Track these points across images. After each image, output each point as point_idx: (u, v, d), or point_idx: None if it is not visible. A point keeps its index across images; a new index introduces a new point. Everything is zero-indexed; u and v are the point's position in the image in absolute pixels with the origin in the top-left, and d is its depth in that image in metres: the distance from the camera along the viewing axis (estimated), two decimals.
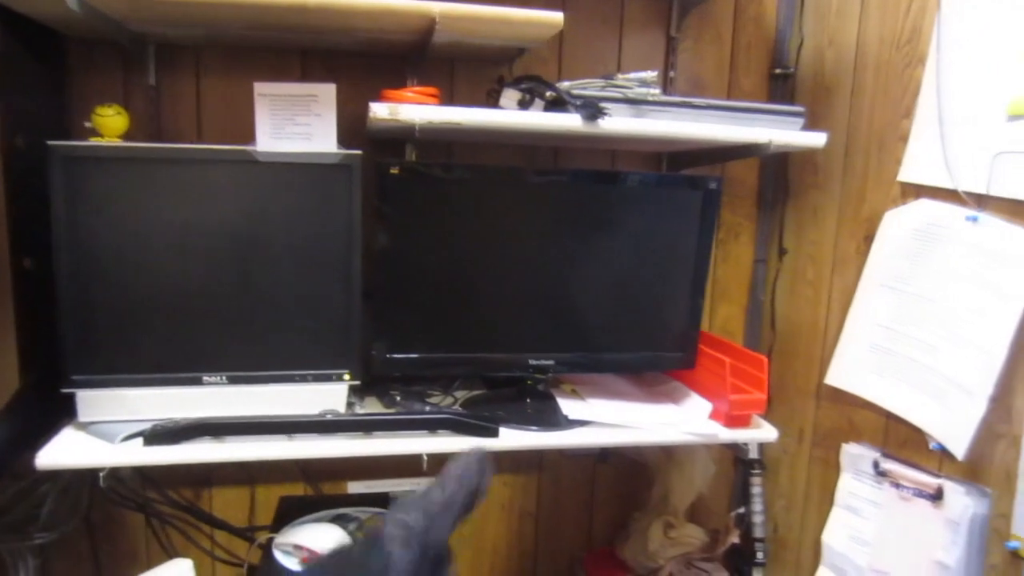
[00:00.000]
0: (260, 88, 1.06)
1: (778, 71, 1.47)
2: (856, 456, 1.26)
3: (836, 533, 1.28)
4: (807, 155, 1.41)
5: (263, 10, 1.01)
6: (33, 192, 1.13)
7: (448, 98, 1.31)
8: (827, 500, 1.31)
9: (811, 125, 1.21)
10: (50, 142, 1.00)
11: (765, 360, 1.21)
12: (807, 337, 1.40)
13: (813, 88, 1.41)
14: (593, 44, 1.39)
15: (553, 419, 1.19)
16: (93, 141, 1.05)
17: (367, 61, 1.30)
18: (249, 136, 1.06)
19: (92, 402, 1.08)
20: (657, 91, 1.15)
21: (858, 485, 1.26)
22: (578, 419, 1.19)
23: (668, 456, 1.44)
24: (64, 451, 1.01)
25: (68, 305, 1.04)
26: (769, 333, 1.51)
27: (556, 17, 1.07)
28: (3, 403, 1.14)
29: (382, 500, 1.33)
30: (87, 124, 1.07)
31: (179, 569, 1.03)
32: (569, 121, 1.09)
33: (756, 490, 1.46)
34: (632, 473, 1.55)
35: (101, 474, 1.03)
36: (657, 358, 1.30)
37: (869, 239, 1.25)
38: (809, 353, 1.39)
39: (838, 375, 1.30)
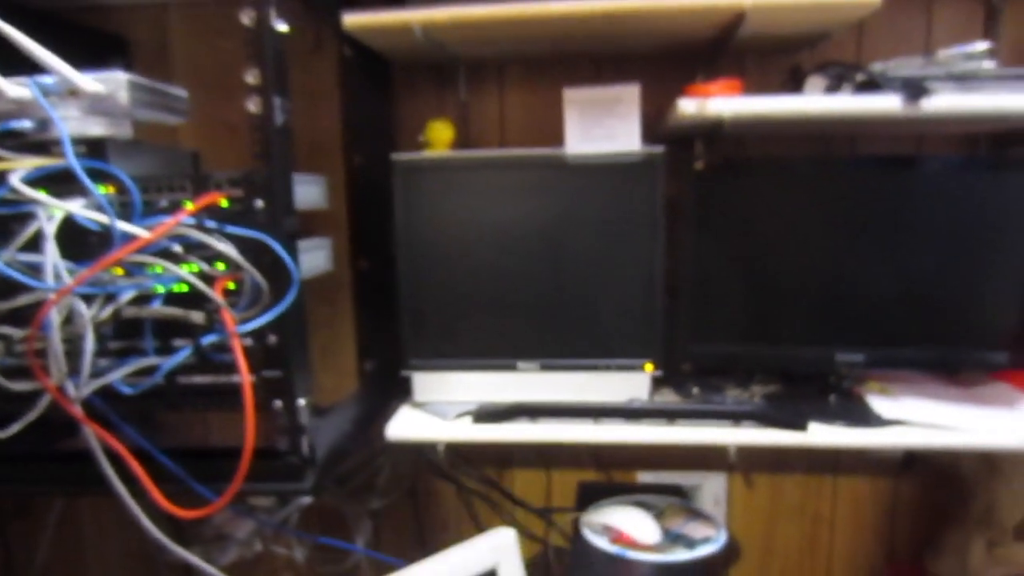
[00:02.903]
0: (569, 95, 1.14)
1: None
2: None
3: None
4: None
5: (577, 21, 1.07)
6: (367, 203, 1.31)
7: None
8: None
9: None
10: (393, 155, 1.16)
11: None
12: None
13: None
14: (897, 23, 1.30)
15: (863, 417, 1.13)
16: (427, 153, 1.19)
17: (657, 62, 1.34)
18: (545, 140, 1.14)
19: (425, 384, 1.22)
20: (989, 64, 1.05)
21: None
22: (893, 418, 1.12)
23: (990, 466, 1.30)
24: (407, 426, 1.16)
25: (407, 299, 1.19)
26: None
27: None
28: (342, 384, 1.33)
29: (675, 491, 1.35)
30: (420, 138, 1.22)
31: (505, 537, 1.12)
32: (887, 103, 1.03)
33: None
34: (940, 484, 1.42)
35: (439, 447, 1.16)
36: (979, 357, 1.18)
37: None
38: None
39: None
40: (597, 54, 1.35)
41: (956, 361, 1.21)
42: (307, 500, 1.37)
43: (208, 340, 0.95)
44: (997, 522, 1.29)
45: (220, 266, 0.96)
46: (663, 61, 1.33)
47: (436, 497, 1.50)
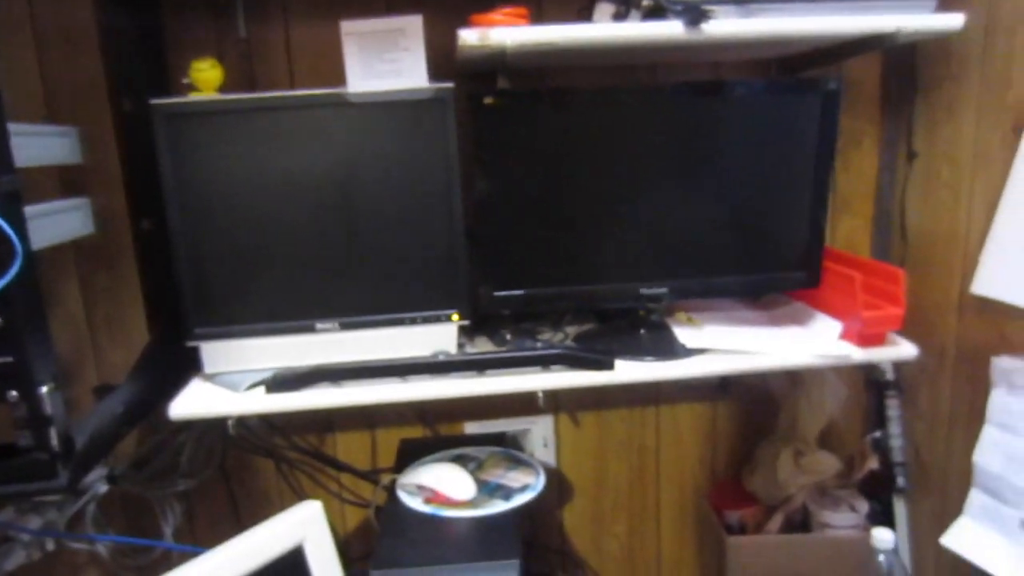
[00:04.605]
0: (346, 27, 1.04)
1: None
2: (1009, 370, 1.14)
3: (989, 453, 1.18)
4: (938, 44, 1.26)
5: None
6: (143, 155, 1.16)
7: (537, 21, 1.24)
8: (976, 419, 1.20)
9: (943, 8, 1.08)
10: (152, 101, 1.02)
11: (901, 272, 1.11)
12: (945, 245, 1.28)
13: None
14: None
15: (670, 349, 1.14)
16: (192, 96, 1.05)
17: None
18: (341, 80, 1.04)
19: (215, 354, 1.11)
20: None
21: (1012, 400, 1.15)
22: (697, 347, 1.13)
23: (794, 382, 1.37)
24: (193, 402, 1.05)
25: (184, 261, 1.07)
26: (900, 244, 1.38)
27: None
28: (133, 358, 1.20)
29: (499, 439, 1.33)
30: (184, 80, 1.08)
31: (310, 510, 1.05)
32: (669, 29, 1.00)
33: (893, 412, 1.36)
34: (755, 402, 1.48)
35: (229, 422, 1.07)
36: (777, 278, 1.21)
37: (1018, 129, 1.11)
38: (948, 262, 1.27)
39: (986, 283, 1.18)
40: None
41: (756, 285, 1.24)
42: (102, 490, 1.25)
43: None
44: (801, 433, 1.36)
45: None
46: None
47: (252, 471, 1.40)
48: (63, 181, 1.24)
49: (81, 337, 1.31)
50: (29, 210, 0.89)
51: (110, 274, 1.28)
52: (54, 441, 0.89)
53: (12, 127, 0.87)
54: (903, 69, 1.34)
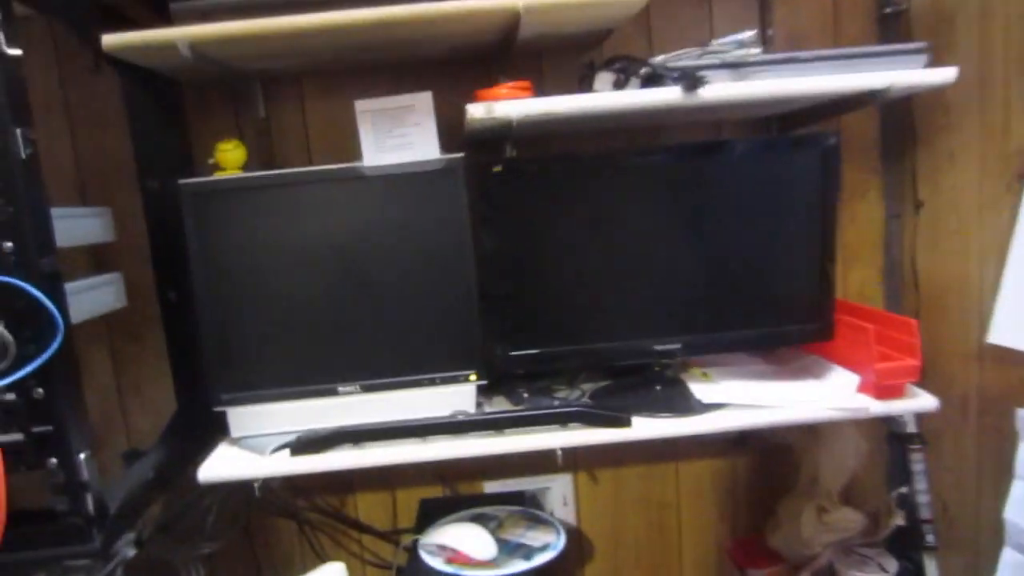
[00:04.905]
0: (360, 105, 1.10)
1: (888, 10, 1.34)
2: None
3: (1021, 509, 1.15)
4: (934, 95, 1.29)
5: (351, 29, 1.03)
6: (170, 230, 1.23)
7: (540, 91, 1.29)
8: (1005, 471, 1.18)
9: (935, 62, 1.11)
10: (181, 180, 1.08)
11: (915, 323, 1.11)
12: (958, 294, 1.28)
13: (932, 21, 1.28)
14: (682, 14, 1.34)
15: (686, 405, 1.15)
16: (217, 176, 1.12)
17: (456, 68, 1.32)
18: (355, 155, 1.10)
19: (241, 418, 1.15)
20: (757, 51, 1.09)
21: None
22: (713, 403, 1.14)
23: (814, 436, 1.35)
24: (222, 465, 1.08)
25: (210, 330, 1.12)
26: (912, 294, 1.39)
27: None
28: (161, 424, 1.24)
29: (518, 498, 1.33)
30: (210, 161, 1.15)
31: (333, 572, 1.07)
32: (668, 95, 1.05)
33: (918, 467, 1.34)
34: (775, 456, 1.47)
35: (256, 484, 1.10)
36: (790, 332, 1.21)
37: (1022, 176, 1.12)
38: (963, 311, 1.27)
39: (1003, 332, 1.17)
40: (393, 63, 1.31)
41: (768, 339, 1.24)
42: (130, 554, 1.27)
43: None
44: (824, 488, 1.34)
45: None
46: (459, 66, 1.32)
47: (275, 533, 1.42)
48: (94, 257, 1.31)
49: (111, 404, 1.36)
50: (69, 287, 0.95)
51: (138, 344, 1.34)
52: (90, 506, 0.92)
53: (54, 211, 0.93)
54: (902, 121, 1.37)
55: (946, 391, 1.27)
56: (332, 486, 1.42)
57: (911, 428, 1.35)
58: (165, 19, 1.03)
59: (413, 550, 1.17)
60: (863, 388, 1.13)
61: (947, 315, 1.31)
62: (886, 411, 1.12)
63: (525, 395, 1.23)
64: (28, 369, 0.86)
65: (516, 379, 1.27)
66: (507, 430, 1.10)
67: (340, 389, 1.14)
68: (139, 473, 1.08)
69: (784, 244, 1.18)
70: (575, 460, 1.46)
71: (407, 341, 1.14)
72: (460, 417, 1.13)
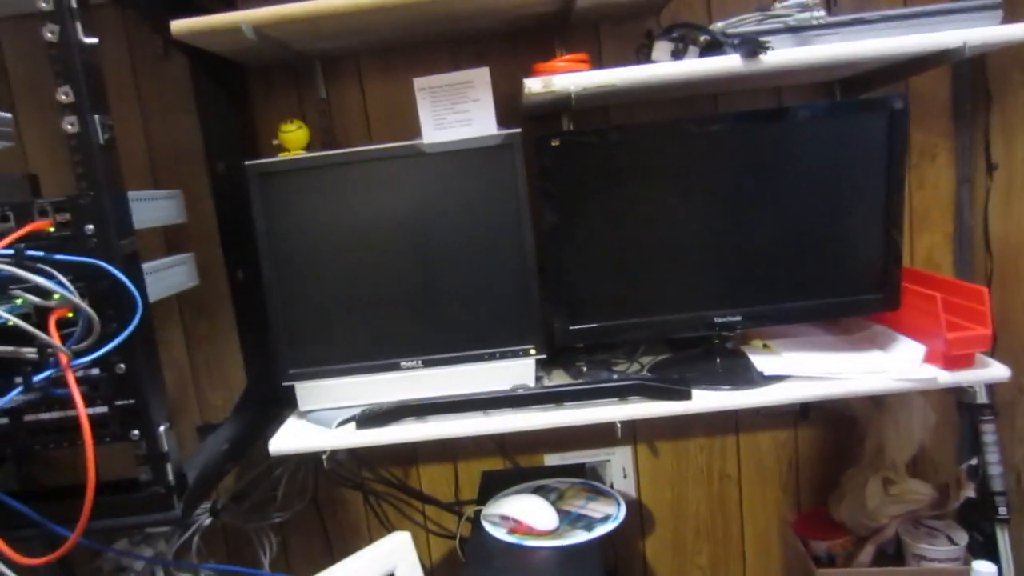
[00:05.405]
0: (419, 83, 1.11)
1: None
2: None
3: None
4: (1009, 52, 1.23)
5: (410, 3, 1.03)
6: (237, 211, 1.26)
7: (597, 62, 1.29)
8: None
9: (1010, 17, 1.06)
10: (247, 162, 1.11)
11: (985, 291, 1.07)
12: None
13: None
14: None
15: (747, 377, 1.14)
16: (281, 156, 1.14)
17: (514, 41, 1.32)
18: (414, 132, 1.11)
19: (308, 393, 1.18)
20: (821, 13, 1.06)
21: None
22: (774, 374, 1.13)
23: (879, 407, 1.33)
24: (291, 438, 1.12)
25: (278, 308, 1.15)
26: (984, 260, 1.34)
27: None
28: (233, 399, 1.29)
29: (578, 470, 1.35)
30: (274, 142, 1.17)
31: (400, 540, 1.10)
32: (728, 63, 1.03)
33: (990, 438, 1.30)
34: (838, 428, 1.45)
35: (323, 456, 1.13)
36: (855, 302, 1.19)
37: None
38: None
39: None
40: (450, 39, 1.32)
41: (831, 309, 1.22)
42: (206, 522, 1.33)
43: (43, 376, 0.90)
44: (889, 460, 1.32)
45: (57, 296, 0.91)
46: (516, 39, 1.31)
47: (343, 504, 1.47)
48: (167, 238, 1.36)
49: (185, 380, 1.41)
50: (145, 267, 0.99)
51: (209, 321, 1.39)
52: (170, 476, 0.97)
53: (131, 194, 0.97)
54: (975, 81, 1.32)
55: (1019, 360, 1.23)
56: (396, 458, 1.46)
57: (982, 398, 1.31)
58: (230, 5, 1.06)
59: (476, 520, 1.20)
60: (931, 358, 1.10)
61: (1021, 281, 1.26)
62: (955, 382, 1.08)
63: (584, 368, 1.24)
64: (112, 344, 0.91)
65: (575, 353, 1.27)
66: (567, 403, 1.11)
67: (403, 364, 1.17)
68: (213, 446, 1.13)
69: (849, 211, 1.15)
70: (635, 432, 1.46)
71: (467, 316, 1.16)
72: (520, 391, 1.14)
